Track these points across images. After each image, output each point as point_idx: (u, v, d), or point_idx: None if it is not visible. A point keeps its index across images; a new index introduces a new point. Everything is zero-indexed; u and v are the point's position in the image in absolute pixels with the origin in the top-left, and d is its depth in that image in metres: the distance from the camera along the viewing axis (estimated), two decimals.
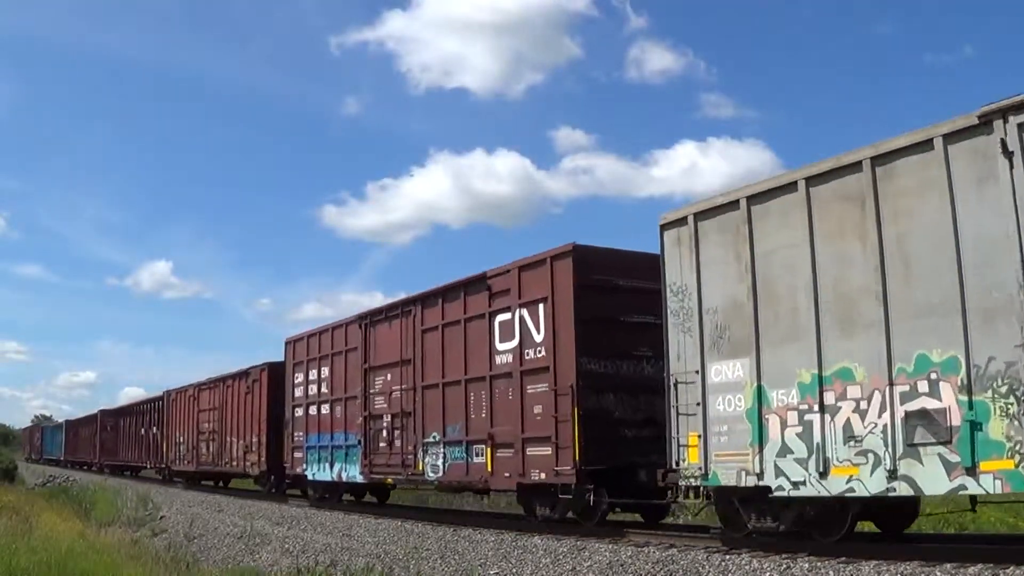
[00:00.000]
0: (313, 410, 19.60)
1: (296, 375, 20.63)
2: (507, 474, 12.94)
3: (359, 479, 17.47)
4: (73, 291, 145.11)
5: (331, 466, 18.60)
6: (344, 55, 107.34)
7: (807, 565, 8.52)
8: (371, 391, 16.89)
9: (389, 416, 16.18)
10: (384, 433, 16.25)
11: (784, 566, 8.64)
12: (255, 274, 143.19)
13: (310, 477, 19.79)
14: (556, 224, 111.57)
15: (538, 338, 12.56)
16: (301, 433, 20.14)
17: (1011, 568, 7.43)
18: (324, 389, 19.11)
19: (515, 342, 12.95)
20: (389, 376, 16.33)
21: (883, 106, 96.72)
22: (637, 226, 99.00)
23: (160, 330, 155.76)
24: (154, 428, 34.04)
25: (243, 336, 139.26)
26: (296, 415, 20.51)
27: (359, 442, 17.14)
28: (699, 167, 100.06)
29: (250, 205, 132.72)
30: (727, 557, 9.37)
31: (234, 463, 24.79)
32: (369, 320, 17.35)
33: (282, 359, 21.78)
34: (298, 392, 20.51)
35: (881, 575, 7.84)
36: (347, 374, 17.94)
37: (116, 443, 41.92)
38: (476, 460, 13.63)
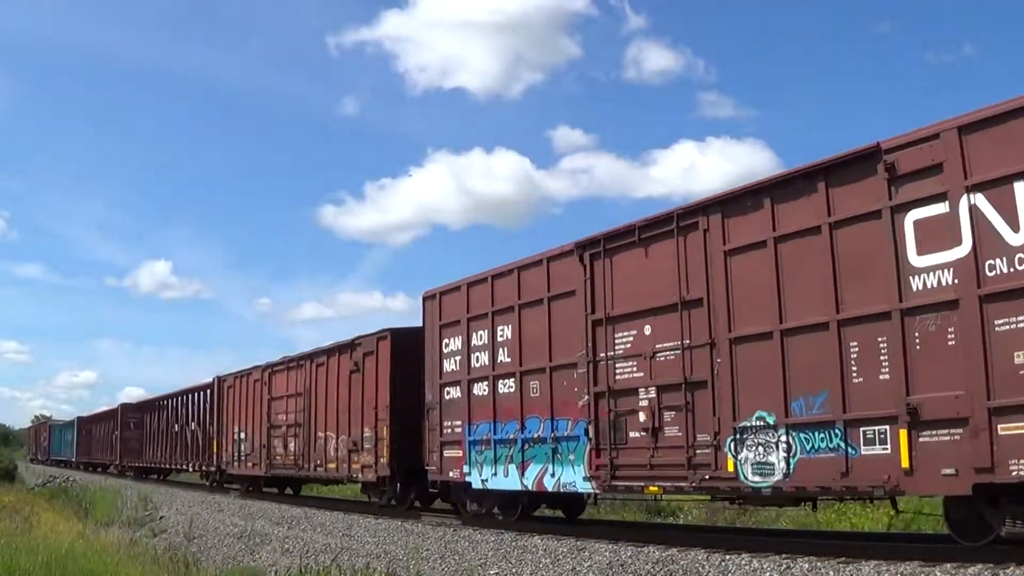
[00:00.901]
0: (482, 389, 14.27)
1: (447, 341, 15.25)
2: (948, 470, 8.02)
3: (584, 487, 12.16)
4: (73, 291, 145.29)
5: (520, 468, 13.27)
6: (342, 55, 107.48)
7: (807, 565, 8.53)
8: (607, 354, 11.75)
9: (650, 391, 11.11)
10: (640, 417, 11.17)
11: (784, 566, 8.65)
12: (254, 274, 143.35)
13: (476, 484, 14.27)
14: (556, 224, 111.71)
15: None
16: (458, 423, 14.77)
17: (1011, 568, 7.44)
18: (505, 357, 13.76)
19: (960, 249, 8.07)
20: (648, 329, 11.26)
21: (883, 105, 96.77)
22: None
23: (160, 330, 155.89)
24: (193, 424, 30.12)
25: (243, 336, 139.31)
26: (447, 397, 15.13)
27: (586, 432, 12.00)
28: (698, 167, 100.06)
29: (249, 205, 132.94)
30: (727, 557, 9.37)
31: (330, 466, 19.25)
32: (602, 247, 12.01)
33: (400, 326, 17.09)
34: (451, 364, 15.11)
35: (881, 575, 7.85)
36: (553, 332, 12.76)
37: (141, 442, 37.47)
38: (868, 451, 8.68)
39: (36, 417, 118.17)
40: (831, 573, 8.19)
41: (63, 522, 18.45)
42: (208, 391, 28.26)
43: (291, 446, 21.15)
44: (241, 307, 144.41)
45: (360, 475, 17.98)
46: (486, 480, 13.94)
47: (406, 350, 16.49)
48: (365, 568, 11.82)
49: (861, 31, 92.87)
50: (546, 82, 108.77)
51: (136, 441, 38.34)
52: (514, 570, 10.74)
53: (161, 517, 21.39)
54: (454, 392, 15.00)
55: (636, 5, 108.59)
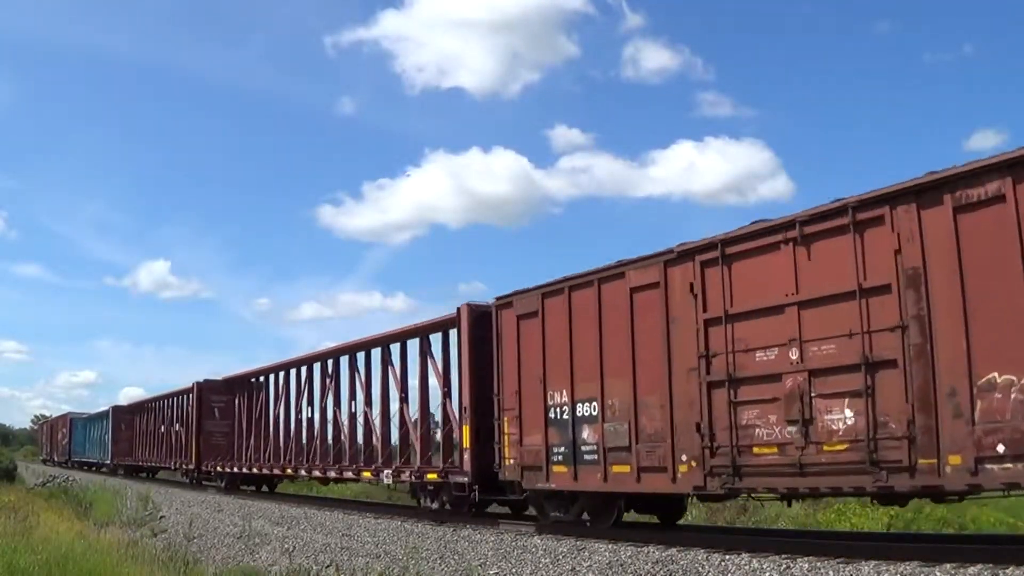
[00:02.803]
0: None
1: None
2: None
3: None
4: (72, 291, 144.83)
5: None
6: (339, 55, 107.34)
7: (807, 565, 8.53)
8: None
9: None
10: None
11: (784, 566, 8.65)
12: (253, 274, 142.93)
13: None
14: (557, 224, 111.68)
15: None
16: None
17: (1011, 568, 7.44)
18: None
19: None
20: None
21: (883, 105, 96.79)
22: (638, 226, 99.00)
23: (159, 330, 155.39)
24: (366, 407, 19.08)
25: (242, 336, 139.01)
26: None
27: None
28: (697, 166, 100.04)
29: (248, 205, 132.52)
30: (727, 557, 9.37)
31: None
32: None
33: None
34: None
35: (881, 575, 7.85)
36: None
37: (231, 437, 26.87)
38: None
39: (36, 417, 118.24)
40: (831, 573, 8.19)
41: (63, 522, 18.44)
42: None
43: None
44: (240, 307, 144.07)
45: None
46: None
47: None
48: (365, 568, 11.82)
49: (860, 30, 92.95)
50: (544, 81, 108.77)
51: (222, 436, 27.23)
52: (514, 570, 10.74)
53: (161, 517, 21.37)
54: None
55: (634, 4, 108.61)
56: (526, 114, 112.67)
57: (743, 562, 9.05)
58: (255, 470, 25.15)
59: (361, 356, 19.79)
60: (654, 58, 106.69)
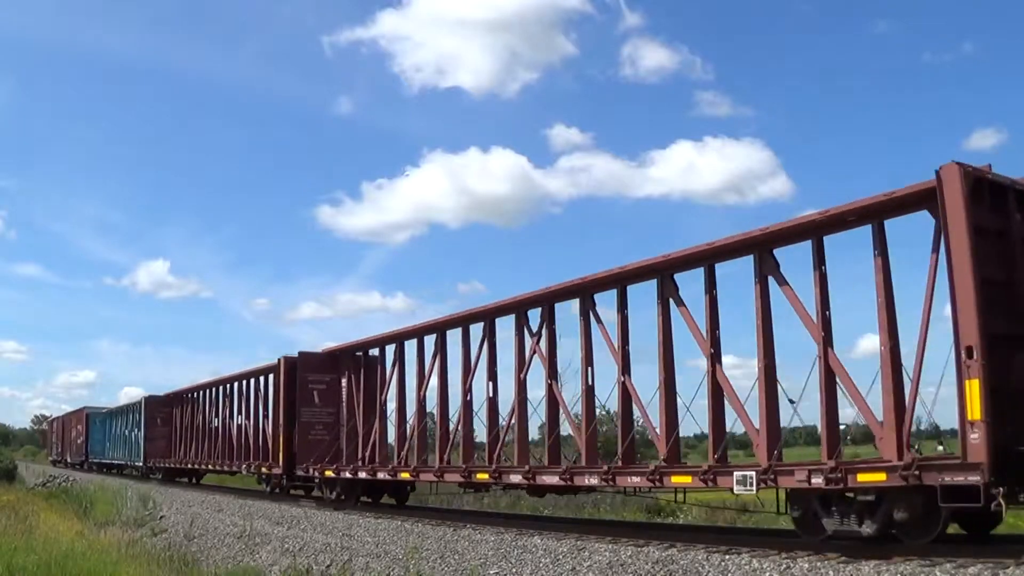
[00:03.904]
0: None
1: None
2: None
3: None
4: (71, 290, 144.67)
5: None
6: (337, 55, 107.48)
7: (807, 565, 8.52)
8: None
9: None
10: None
11: (784, 566, 8.64)
12: (252, 274, 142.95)
13: None
14: (557, 223, 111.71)
15: None
16: None
17: (1011, 568, 7.43)
18: None
19: None
20: None
21: (882, 104, 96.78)
22: (638, 226, 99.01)
23: (159, 330, 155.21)
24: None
25: (242, 336, 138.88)
26: None
27: None
28: (697, 166, 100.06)
29: (246, 205, 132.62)
30: (727, 557, 9.36)
31: None
32: None
33: None
34: None
35: (881, 575, 7.84)
36: None
37: (337, 435, 19.92)
38: None
39: (36, 417, 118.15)
40: (831, 573, 8.18)
41: (63, 522, 18.45)
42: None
43: None
44: (239, 307, 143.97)
45: None
46: None
47: None
48: (365, 568, 11.83)
49: (859, 29, 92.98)
50: (542, 81, 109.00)
51: (323, 429, 20.36)
52: (514, 570, 10.74)
53: (161, 517, 21.40)
54: None
55: (632, 3, 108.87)
56: (525, 113, 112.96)
57: (743, 562, 9.04)
58: (385, 475, 17.44)
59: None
60: (652, 57, 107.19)
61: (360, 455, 18.90)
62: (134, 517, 21.87)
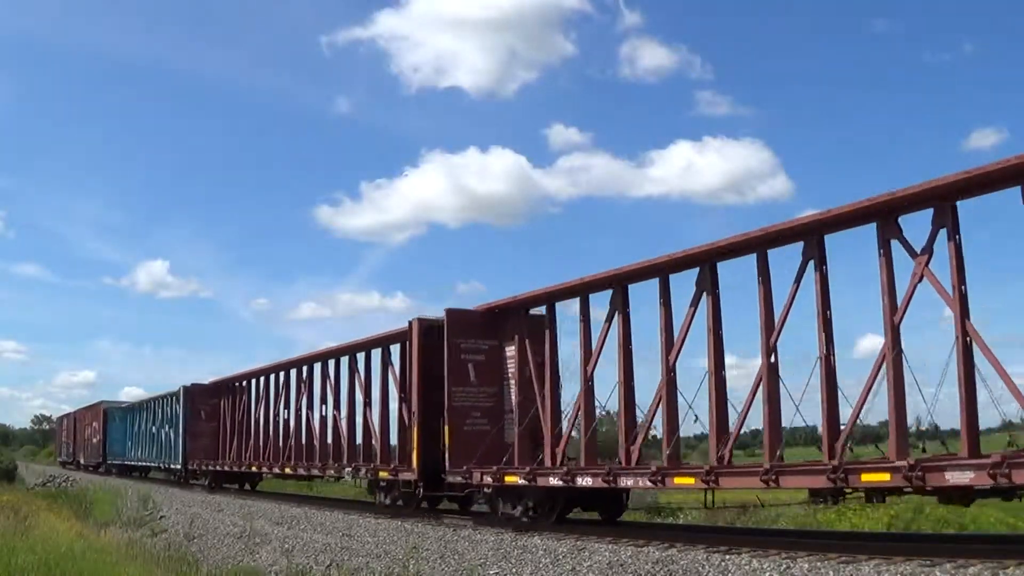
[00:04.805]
0: None
1: None
2: None
3: None
4: (71, 290, 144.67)
5: None
6: (336, 55, 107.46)
7: (807, 565, 8.51)
8: None
9: None
10: None
11: (784, 566, 8.64)
12: (252, 274, 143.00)
13: None
14: (557, 223, 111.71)
15: None
16: None
17: (1011, 568, 7.43)
18: None
19: None
20: None
21: (882, 103, 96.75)
22: (638, 226, 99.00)
23: (158, 330, 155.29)
24: None
25: (241, 336, 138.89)
26: None
27: None
28: (696, 166, 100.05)
29: (246, 205, 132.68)
30: (727, 557, 9.36)
31: None
32: None
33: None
34: None
35: (881, 575, 7.84)
36: None
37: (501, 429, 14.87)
38: None
39: (36, 417, 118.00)
40: (831, 573, 8.18)
41: (63, 522, 18.45)
42: None
43: None
44: (239, 307, 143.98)
45: None
46: None
47: None
48: (365, 568, 11.82)
49: (859, 29, 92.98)
50: (541, 80, 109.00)
51: (484, 418, 15.15)
52: (514, 570, 10.73)
53: (161, 517, 21.38)
54: None
55: (631, 2, 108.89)
56: (524, 113, 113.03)
57: (743, 562, 9.04)
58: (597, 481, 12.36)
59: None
60: (651, 56, 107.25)
61: (549, 452, 13.74)
62: (134, 517, 21.86)
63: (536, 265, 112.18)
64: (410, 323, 16.15)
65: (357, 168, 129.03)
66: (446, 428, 14.86)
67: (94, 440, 43.79)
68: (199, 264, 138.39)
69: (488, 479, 14.09)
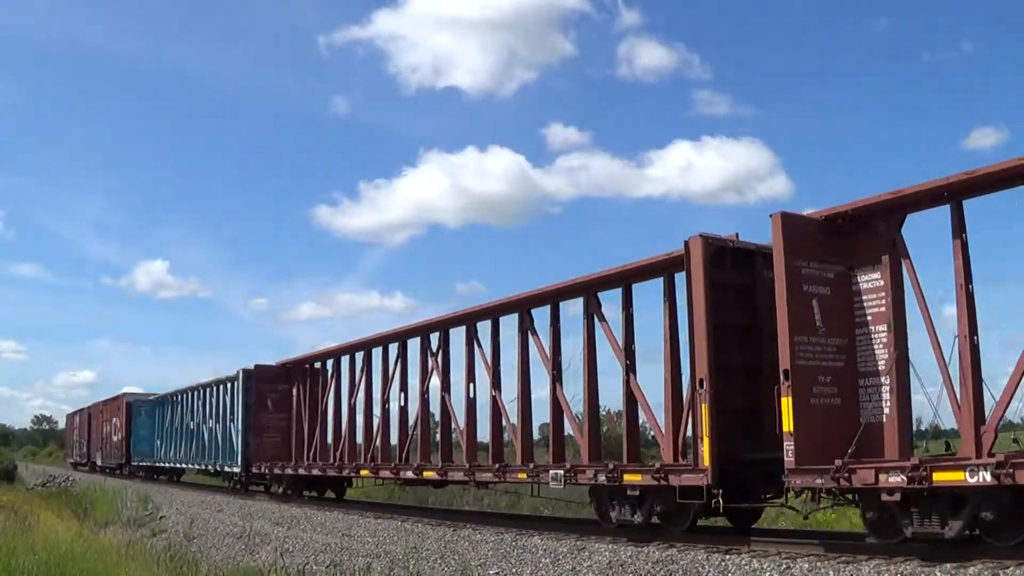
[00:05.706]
0: None
1: None
2: None
3: None
4: (71, 290, 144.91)
5: None
6: (334, 55, 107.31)
7: (807, 565, 8.51)
8: None
9: None
10: None
11: (784, 566, 8.64)
12: (251, 273, 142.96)
13: None
14: (556, 223, 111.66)
15: None
16: None
17: (1011, 568, 7.43)
18: None
19: None
20: None
21: (882, 103, 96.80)
22: (638, 226, 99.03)
23: (158, 329, 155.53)
24: None
25: (241, 335, 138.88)
26: None
27: None
28: (696, 166, 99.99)
29: (245, 205, 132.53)
30: (727, 557, 9.36)
31: None
32: None
33: None
34: None
35: (881, 575, 7.84)
36: None
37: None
38: None
39: (36, 417, 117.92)
40: (831, 573, 8.18)
41: (62, 522, 18.45)
42: None
43: None
44: (238, 307, 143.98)
45: None
46: None
47: None
48: (365, 568, 11.82)
49: (859, 28, 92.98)
50: (540, 80, 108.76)
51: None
52: (514, 570, 10.73)
53: (161, 517, 21.38)
54: None
55: (629, 1, 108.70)
56: (523, 113, 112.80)
57: (743, 562, 9.04)
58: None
59: None
60: (650, 56, 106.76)
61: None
62: (134, 517, 21.85)
63: (537, 265, 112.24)
64: (686, 243, 10.82)
65: (356, 168, 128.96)
66: (787, 401, 9.33)
67: (115, 438, 37.76)
68: (198, 264, 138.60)
69: (899, 479, 8.36)
